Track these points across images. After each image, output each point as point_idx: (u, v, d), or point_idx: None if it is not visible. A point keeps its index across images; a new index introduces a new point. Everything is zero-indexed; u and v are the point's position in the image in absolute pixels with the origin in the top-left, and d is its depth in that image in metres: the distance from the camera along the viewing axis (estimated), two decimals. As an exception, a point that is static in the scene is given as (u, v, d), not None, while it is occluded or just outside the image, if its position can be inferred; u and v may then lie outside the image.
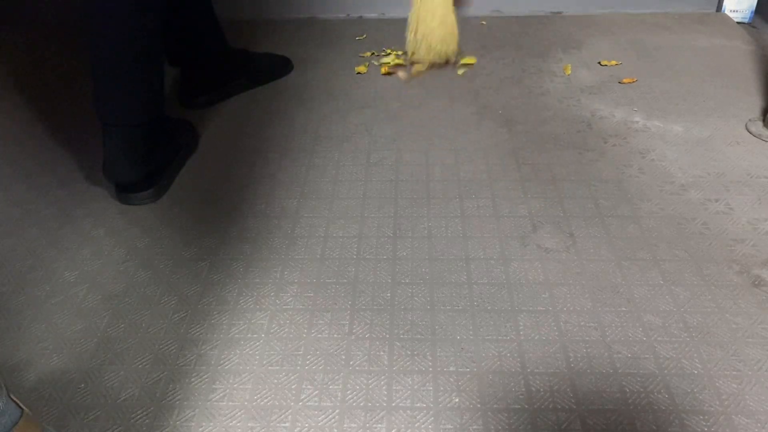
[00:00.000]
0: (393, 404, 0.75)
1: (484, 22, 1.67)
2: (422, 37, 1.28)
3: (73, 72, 1.52)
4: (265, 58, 1.46)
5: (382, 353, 0.81)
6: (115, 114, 1.04)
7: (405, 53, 1.40)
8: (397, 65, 1.50)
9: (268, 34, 1.64)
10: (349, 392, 0.76)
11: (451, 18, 1.27)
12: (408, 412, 0.74)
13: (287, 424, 0.73)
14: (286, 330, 0.84)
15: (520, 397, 0.75)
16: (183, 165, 1.17)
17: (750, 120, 1.22)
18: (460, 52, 1.40)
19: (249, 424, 0.73)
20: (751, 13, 1.65)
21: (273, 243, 0.99)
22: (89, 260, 0.97)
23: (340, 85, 1.42)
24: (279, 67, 1.46)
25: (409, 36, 1.30)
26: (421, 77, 1.26)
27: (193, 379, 0.78)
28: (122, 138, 1.05)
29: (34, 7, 1.77)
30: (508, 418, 0.73)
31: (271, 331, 0.84)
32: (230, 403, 0.75)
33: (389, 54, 1.54)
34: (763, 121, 1.21)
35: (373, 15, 1.74)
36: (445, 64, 1.43)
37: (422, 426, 0.72)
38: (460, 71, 1.51)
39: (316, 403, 0.75)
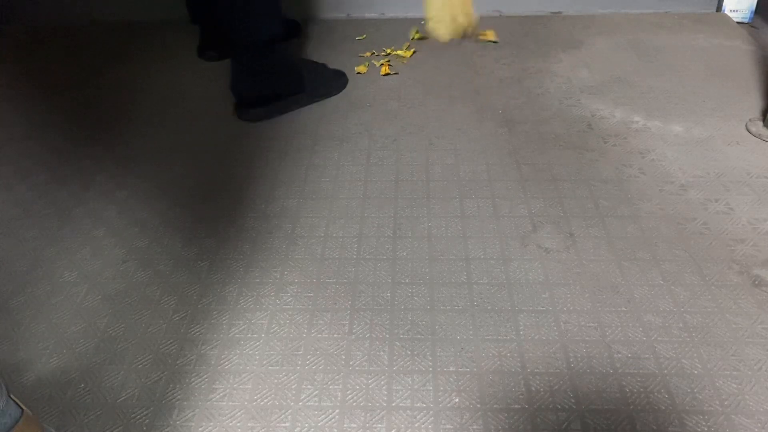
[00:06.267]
0: (393, 404, 0.75)
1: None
2: (443, 7, 1.41)
3: (74, 71, 1.52)
4: (322, 69, 1.40)
5: (382, 353, 0.81)
6: (244, 34, 1.21)
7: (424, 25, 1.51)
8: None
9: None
10: (349, 392, 0.76)
11: None
12: (408, 412, 0.74)
13: (287, 424, 0.73)
14: (286, 330, 0.84)
15: (520, 397, 0.75)
16: (303, 104, 1.33)
17: (750, 120, 1.22)
18: (477, 27, 1.53)
19: (249, 424, 0.73)
20: (751, 13, 1.65)
21: (273, 243, 0.99)
22: (89, 260, 0.97)
23: (340, 85, 1.42)
24: (335, 81, 1.40)
25: (430, 8, 1.41)
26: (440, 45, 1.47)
27: (193, 379, 0.78)
28: (246, 57, 1.24)
29: (35, 6, 1.77)
30: (508, 418, 0.73)
31: (271, 331, 0.84)
32: (230, 403, 0.75)
33: (389, 54, 1.54)
34: (763, 121, 1.21)
35: (373, 15, 1.74)
36: (464, 36, 1.54)
37: (422, 426, 0.72)
38: (484, 39, 1.59)
39: (316, 403, 0.75)
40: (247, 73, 1.26)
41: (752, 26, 1.64)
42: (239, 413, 0.74)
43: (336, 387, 0.77)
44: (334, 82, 1.40)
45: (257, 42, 1.22)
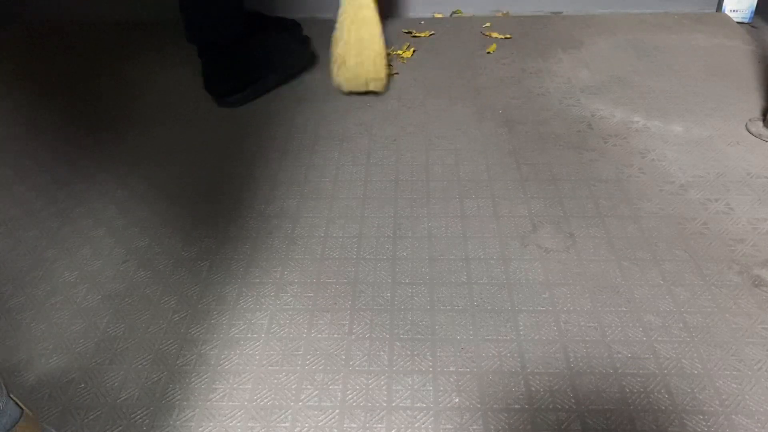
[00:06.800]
0: (393, 404, 0.75)
1: (488, 24, 1.67)
2: (353, 63, 1.32)
3: (74, 71, 1.52)
4: (286, 45, 1.45)
5: (382, 353, 0.81)
6: (206, 36, 1.30)
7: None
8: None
9: (268, 34, 1.64)
10: (349, 392, 0.76)
11: (378, 43, 1.29)
12: (408, 412, 0.74)
13: (287, 424, 0.73)
14: (286, 330, 0.84)
15: (520, 397, 0.75)
16: (273, 82, 1.39)
17: (750, 120, 1.22)
18: (387, 82, 1.39)
19: (249, 424, 0.73)
20: (751, 13, 1.65)
21: (273, 243, 0.99)
22: (89, 260, 0.97)
23: (340, 85, 1.42)
24: (302, 55, 1.46)
25: (340, 62, 1.34)
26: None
27: (193, 379, 0.78)
28: (214, 56, 1.32)
29: (36, 5, 1.77)
30: (508, 418, 0.73)
31: (271, 331, 0.84)
32: (230, 403, 0.75)
33: (389, 54, 1.54)
34: (763, 121, 1.21)
35: (373, 15, 1.74)
36: (371, 88, 1.38)
37: (422, 426, 0.72)
38: (491, 48, 1.53)
39: (316, 403, 0.75)
40: (216, 71, 1.33)
41: (752, 26, 1.64)
42: (239, 413, 0.74)
43: (336, 387, 0.77)
44: (298, 51, 1.45)
45: (219, 42, 1.30)
